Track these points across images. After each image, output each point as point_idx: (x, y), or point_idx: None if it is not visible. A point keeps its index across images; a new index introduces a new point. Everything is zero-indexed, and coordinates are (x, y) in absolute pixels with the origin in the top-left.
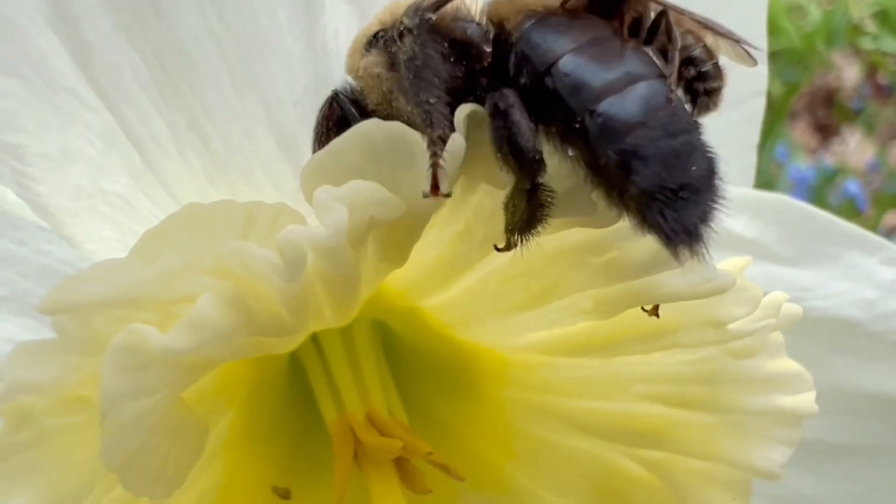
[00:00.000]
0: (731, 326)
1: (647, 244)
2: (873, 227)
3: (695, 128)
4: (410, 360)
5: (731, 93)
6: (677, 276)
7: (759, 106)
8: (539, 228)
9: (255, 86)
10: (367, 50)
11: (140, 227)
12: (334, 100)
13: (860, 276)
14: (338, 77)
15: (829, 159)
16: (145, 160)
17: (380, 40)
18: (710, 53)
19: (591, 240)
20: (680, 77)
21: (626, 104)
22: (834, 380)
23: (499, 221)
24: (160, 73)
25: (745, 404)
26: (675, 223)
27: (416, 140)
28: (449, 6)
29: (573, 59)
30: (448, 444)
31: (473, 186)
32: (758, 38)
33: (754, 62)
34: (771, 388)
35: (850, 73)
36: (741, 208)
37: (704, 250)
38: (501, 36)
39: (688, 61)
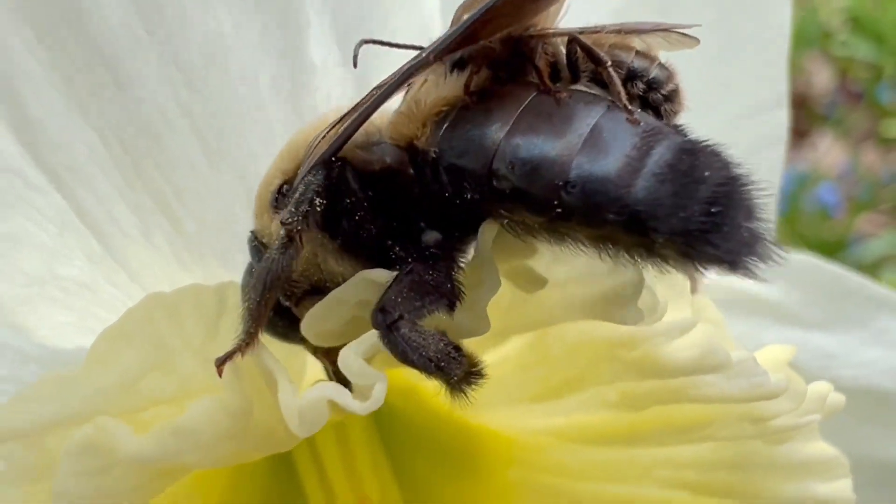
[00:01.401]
0: (773, 423)
1: (687, 342)
2: (846, 233)
3: (678, 132)
4: (405, 432)
5: (752, 139)
6: (722, 379)
7: (781, 151)
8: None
9: (232, 160)
10: (274, 209)
11: (102, 310)
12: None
13: (892, 343)
14: None
15: (801, 165)
16: (104, 245)
17: (286, 196)
18: (648, 57)
19: (621, 334)
20: (630, 96)
21: (595, 157)
22: (864, 452)
23: (517, 312)
24: (120, 152)
25: (779, 492)
26: (727, 244)
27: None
28: (357, 136)
29: (510, 144)
30: None
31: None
32: (777, 81)
33: (695, 40)
34: (806, 474)
35: (820, 78)
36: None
37: (772, 248)
38: (416, 157)
39: (630, 76)
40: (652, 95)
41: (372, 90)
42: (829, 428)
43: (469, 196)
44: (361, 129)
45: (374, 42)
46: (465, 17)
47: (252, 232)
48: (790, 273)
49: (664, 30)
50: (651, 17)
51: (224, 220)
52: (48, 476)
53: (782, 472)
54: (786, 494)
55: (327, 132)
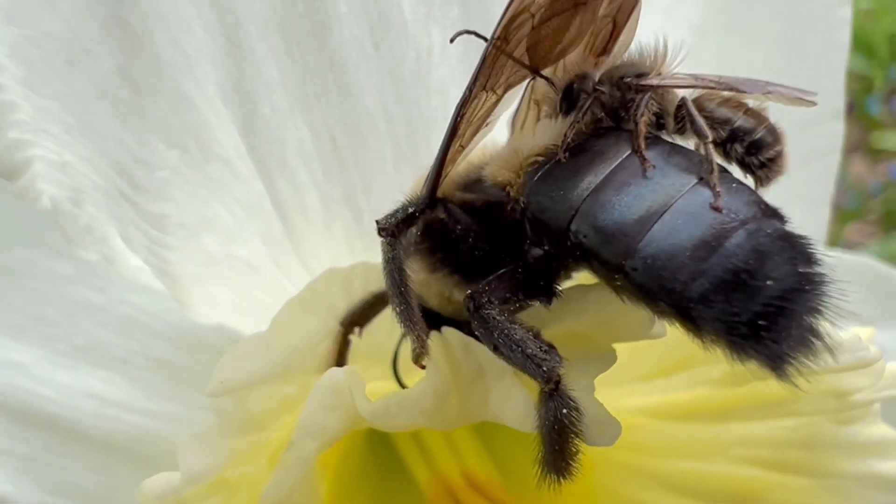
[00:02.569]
0: (853, 397)
1: None
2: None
3: (756, 219)
4: None
5: (807, 149)
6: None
7: (834, 162)
8: (573, 462)
9: (414, 163)
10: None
11: (261, 293)
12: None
13: None
14: None
15: None
16: (287, 230)
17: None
18: (758, 116)
19: None
20: (728, 157)
21: (664, 243)
22: None
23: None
24: (329, 149)
25: (844, 469)
26: (768, 352)
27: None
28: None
29: (589, 211)
30: (527, 500)
31: None
32: (835, 95)
33: (812, 102)
34: (869, 453)
35: None
36: None
37: (819, 346)
38: (507, 203)
39: (732, 136)
40: (749, 158)
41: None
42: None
43: (547, 248)
44: (462, 169)
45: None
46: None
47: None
48: (847, 271)
49: (779, 93)
50: (723, 31)
51: None
52: (249, 432)
53: (847, 450)
54: (849, 471)
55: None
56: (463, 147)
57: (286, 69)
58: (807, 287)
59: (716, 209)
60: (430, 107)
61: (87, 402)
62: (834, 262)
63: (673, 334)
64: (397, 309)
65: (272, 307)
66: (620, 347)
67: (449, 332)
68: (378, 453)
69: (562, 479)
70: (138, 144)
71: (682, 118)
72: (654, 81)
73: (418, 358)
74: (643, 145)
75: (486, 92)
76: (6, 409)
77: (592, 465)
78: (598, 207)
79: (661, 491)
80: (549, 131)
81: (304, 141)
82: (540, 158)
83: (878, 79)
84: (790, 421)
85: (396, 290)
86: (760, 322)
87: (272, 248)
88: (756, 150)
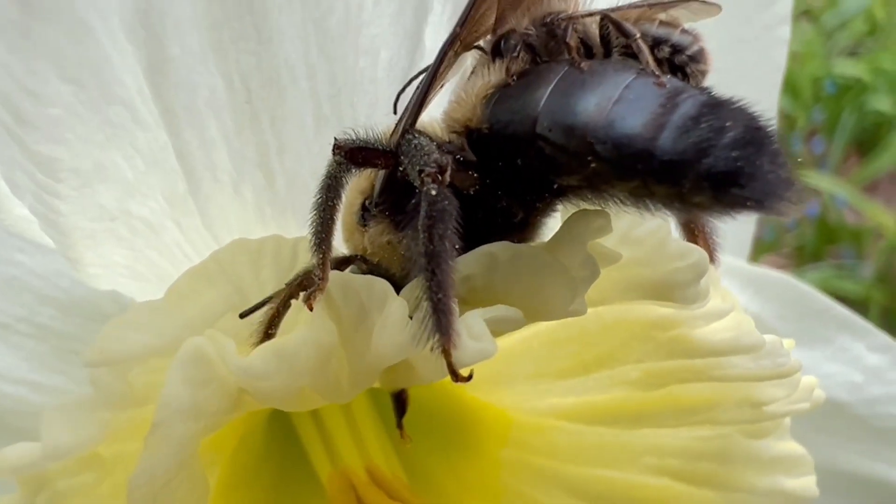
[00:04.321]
0: (767, 408)
1: (724, 325)
2: None
3: (702, 91)
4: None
5: None
6: (749, 360)
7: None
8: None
9: (336, 127)
10: (363, 225)
11: (160, 257)
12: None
13: (849, 360)
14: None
15: None
16: (192, 188)
17: (370, 209)
18: (671, 25)
19: (660, 315)
20: (658, 61)
21: (624, 115)
22: (818, 459)
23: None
24: (242, 101)
25: (752, 484)
26: (754, 184)
27: None
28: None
29: (548, 109)
30: (432, 499)
31: None
32: (769, 112)
33: (718, 8)
34: (777, 469)
35: None
36: (745, 283)
37: (799, 189)
38: (472, 136)
39: (655, 43)
40: (678, 58)
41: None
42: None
43: (520, 162)
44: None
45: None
46: None
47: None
48: (767, 288)
49: (686, 0)
50: None
51: (311, 183)
52: (126, 406)
53: (756, 465)
54: (758, 486)
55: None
56: (440, 87)
57: (201, 7)
58: (765, 128)
59: (660, 84)
60: (357, 67)
61: None
62: (755, 277)
63: (592, 326)
64: (314, 225)
65: (171, 274)
66: (539, 341)
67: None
68: (280, 440)
69: (442, 342)
70: (26, 73)
71: (607, 38)
72: (571, 13)
73: (311, 296)
74: (578, 56)
75: (459, 42)
76: None
77: (499, 465)
78: (557, 105)
79: (568, 496)
80: (491, 74)
81: (216, 89)
82: (491, 90)
83: (801, 119)
84: (703, 430)
85: (322, 206)
86: (734, 153)
87: (174, 208)
88: (679, 50)
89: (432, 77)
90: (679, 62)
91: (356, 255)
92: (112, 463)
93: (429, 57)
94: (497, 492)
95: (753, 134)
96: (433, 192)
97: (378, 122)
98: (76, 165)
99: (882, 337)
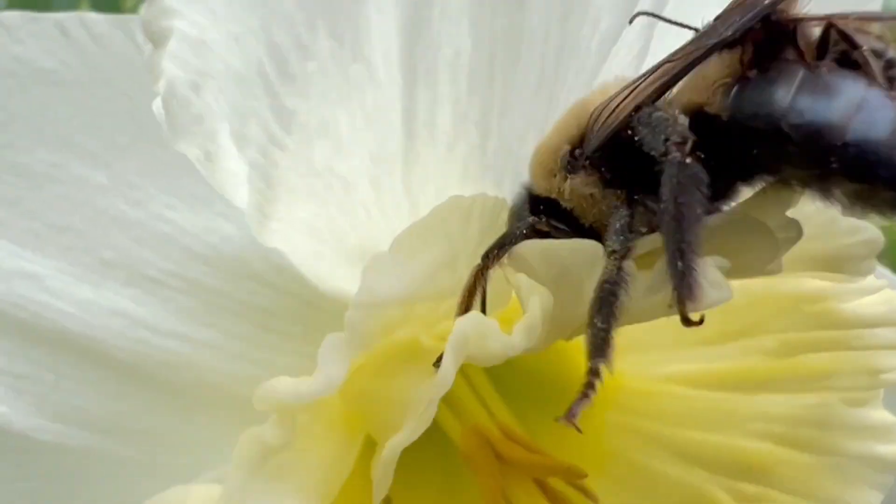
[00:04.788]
0: (883, 376)
1: (878, 300)
2: None
3: None
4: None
5: None
6: (892, 331)
7: None
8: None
9: (554, 89)
10: (566, 170)
11: (341, 214)
12: (535, 226)
13: None
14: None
15: None
16: (405, 145)
17: (579, 159)
18: (884, 40)
19: (809, 288)
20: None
21: (869, 123)
22: None
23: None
24: (485, 62)
25: (849, 449)
26: None
27: None
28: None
29: (795, 109)
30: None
31: None
32: None
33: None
34: (871, 436)
35: None
36: None
37: None
38: (704, 121)
39: (873, 56)
40: (889, 72)
41: (661, 62)
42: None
43: (756, 152)
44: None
45: (651, 15)
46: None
47: (526, 188)
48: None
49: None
50: None
51: (517, 145)
52: (363, 350)
53: (853, 432)
54: (852, 451)
55: (620, 101)
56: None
57: None
58: None
59: (893, 97)
60: (580, 35)
61: (112, 320)
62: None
63: (739, 299)
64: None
65: (348, 235)
66: None
67: (520, 246)
68: None
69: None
70: (306, 28)
71: (825, 44)
72: (800, 15)
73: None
74: (812, 61)
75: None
76: (4, 322)
77: (605, 429)
78: (803, 106)
79: (670, 459)
80: (723, 62)
81: (462, 51)
82: (729, 79)
83: None
84: (811, 398)
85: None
86: None
87: (378, 166)
88: (893, 65)
89: (689, 64)
90: (890, 75)
91: (550, 199)
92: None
93: (636, 33)
94: (602, 456)
95: None
96: (684, 160)
97: (577, 90)
98: (308, 120)
99: None
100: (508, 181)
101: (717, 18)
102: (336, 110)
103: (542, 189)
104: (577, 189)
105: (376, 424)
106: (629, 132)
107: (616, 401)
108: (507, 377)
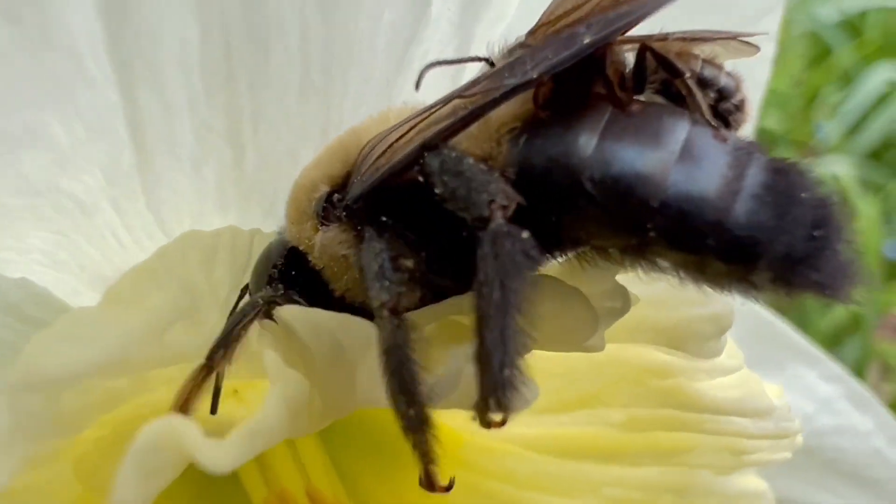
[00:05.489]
0: (748, 457)
1: (731, 382)
2: None
3: (759, 149)
4: (340, 425)
5: None
6: (750, 421)
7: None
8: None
9: (322, 99)
10: (319, 219)
11: (86, 241)
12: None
13: (801, 389)
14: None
15: None
16: (140, 161)
17: (336, 207)
18: (715, 65)
19: (657, 361)
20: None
21: (690, 175)
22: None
23: None
24: (220, 57)
25: None
26: (828, 269)
27: None
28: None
29: (599, 161)
30: None
31: None
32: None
33: (756, 48)
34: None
35: None
36: None
37: (860, 270)
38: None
39: (701, 86)
40: (722, 105)
41: (451, 95)
42: None
43: (554, 219)
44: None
45: (438, 64)
46: (579, 30)
47: (280, 233)
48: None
49: (731, 38)
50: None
51: (285, 164)
52: (57, 434)
53: (718, 500)
54: None
55: (397, 137)
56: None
57: None
58: (833, 199)
59: (721, 139)
60: (357, 30)
61: None
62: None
63: (581, 364)
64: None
65: (99, 264)
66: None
67: (285, 311)
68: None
69: (503, 402)
70: None
71: (643, 71)
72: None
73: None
74: (622, 95)
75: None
76: None
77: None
78: (609, 157)
79: None
80: (511, 102)
81: (189, 42)
82: (517, 124)
83: None
84: (675, 469)
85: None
86: (816, 233)
87: (114, 186)
88: (726, 96)
89: (486, 104)
90: (723, 110)
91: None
92: (21, 493)
93: (432, 27)
94: None
95: (826, 209)
96: (511, 230)
97: (368, 99)
98: (5, 126)
99: (833, 366)
100: (282, 206)
101: (522, 45)
102: (42, 114)
103: (292, 236)
104: (328, 246)
105: None
106: (416, 179)
107: (459, 457)
108: (355, 425)
